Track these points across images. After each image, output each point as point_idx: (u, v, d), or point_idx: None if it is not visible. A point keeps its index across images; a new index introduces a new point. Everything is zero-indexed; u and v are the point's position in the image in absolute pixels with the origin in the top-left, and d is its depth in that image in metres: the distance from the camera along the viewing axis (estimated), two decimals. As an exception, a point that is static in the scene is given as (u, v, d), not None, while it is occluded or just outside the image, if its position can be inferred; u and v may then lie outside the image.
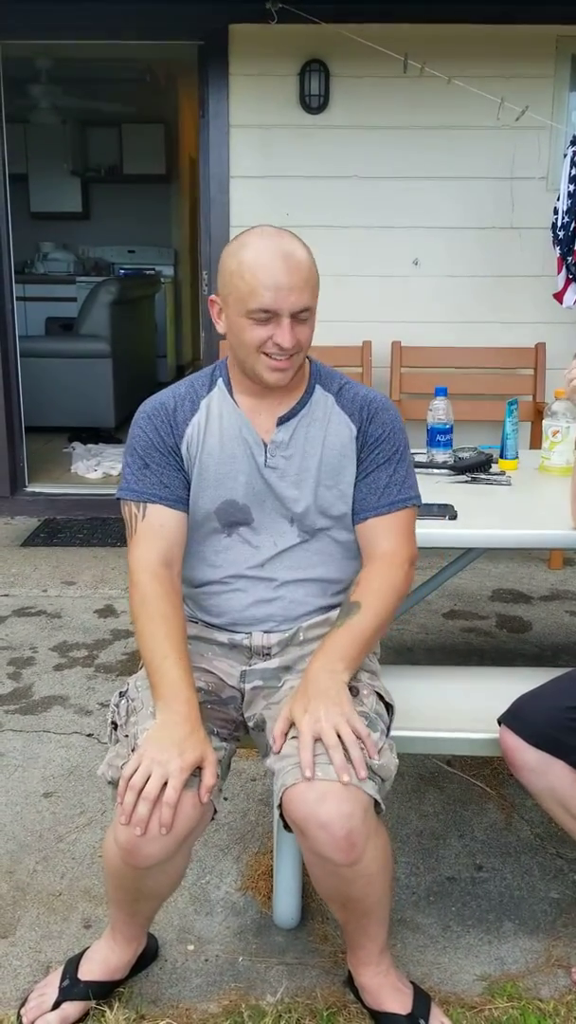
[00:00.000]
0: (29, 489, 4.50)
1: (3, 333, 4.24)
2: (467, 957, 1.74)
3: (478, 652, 3.01)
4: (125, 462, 1.59)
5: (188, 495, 1.57)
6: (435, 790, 2.27)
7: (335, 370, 1.65)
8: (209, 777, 1.34)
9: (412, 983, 1.59)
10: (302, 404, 1.58)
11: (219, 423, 1.57)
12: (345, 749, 1.35)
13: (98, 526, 4.29)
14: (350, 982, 1.63)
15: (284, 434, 1.56)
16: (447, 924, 1.83)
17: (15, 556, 3.90)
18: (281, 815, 1.38)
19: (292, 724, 1.41)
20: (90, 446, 5.49)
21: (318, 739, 1.35)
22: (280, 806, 1.37)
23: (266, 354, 1.46)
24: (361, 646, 1.49)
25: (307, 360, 1.60)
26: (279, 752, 1.38)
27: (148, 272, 7.72)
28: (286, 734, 1.41)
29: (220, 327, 1.52)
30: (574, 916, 1.85)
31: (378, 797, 1.38)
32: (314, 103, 3.90)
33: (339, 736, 1.35)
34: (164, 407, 1.58)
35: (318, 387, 1.60)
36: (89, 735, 2.50)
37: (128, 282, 6.32)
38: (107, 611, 3.34)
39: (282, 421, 1.56)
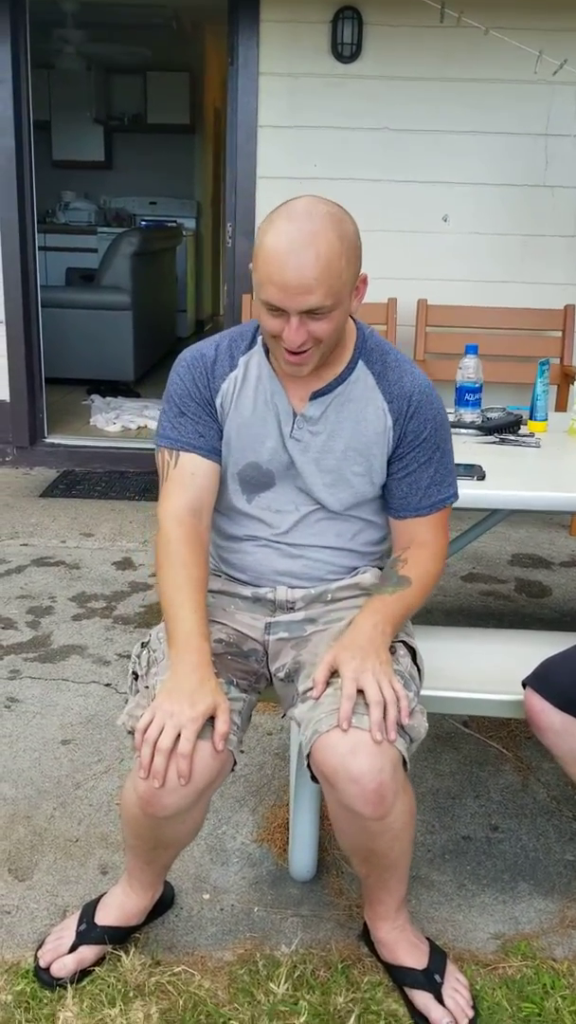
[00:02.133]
0: (48, 440, 4.49)
1: (25, 282, 4.20)
2: (481, 916, 1.75)
3: (496, 615, 3.00)
4: (162, 409, 1.57)
5: (221, 447, 1.55)
6: (451, 750, 2.27)
7: (384, 341, 1.58)
8: (222, 725, 1.33)
9: (428, 939, 1.60)
10: (340, 380, 1.52)
11: (255, 384, 1.53)
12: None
13: (116, 479, 4.28)
14: (365, 936, 1.64)
15: (316, 409, 1.52)
16: (462, 882, 1.83)
17: (34, 507, 3.90)
18: (308, 765, 1.38)
19: (333, 672, 1.39)
20: (109, 399, 5.47)
21: (360, 691, 1.34)
22: (308, 755, 1.36)
23: (281, 343, 1.41)
24: (405, 617, 1.51)
25: (356, 327, 1.55)
26: (319, 697, 1.36)
27: (170, 224, 7.63)
28: (328, 681, 1.39)
29: (256, 301, 1.46)
30: (589, 879, 1.85)
31: (406, 755, 1.38)
32: (346, 52, 3.80)
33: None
34: (204, 358, 1.55)
35: (361, 363, 1.53)
36: (107, 685, 2.51)
37: (150, 234, 6.25)
38: (125, 563, 3.34)
39: (316, 395, 1.52)
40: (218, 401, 1.54)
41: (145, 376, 6.11)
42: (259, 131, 3.94)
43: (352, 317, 1.54)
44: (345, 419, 1.52)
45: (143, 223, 7.85)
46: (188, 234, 7.83)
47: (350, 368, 1.53)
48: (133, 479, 4.29)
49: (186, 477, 1.53)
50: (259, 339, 1.54)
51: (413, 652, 1.55)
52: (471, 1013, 1.50)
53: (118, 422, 4.96)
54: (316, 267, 1.32)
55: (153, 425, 5.00)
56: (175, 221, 7.91)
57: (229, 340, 1.56)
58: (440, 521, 1.58)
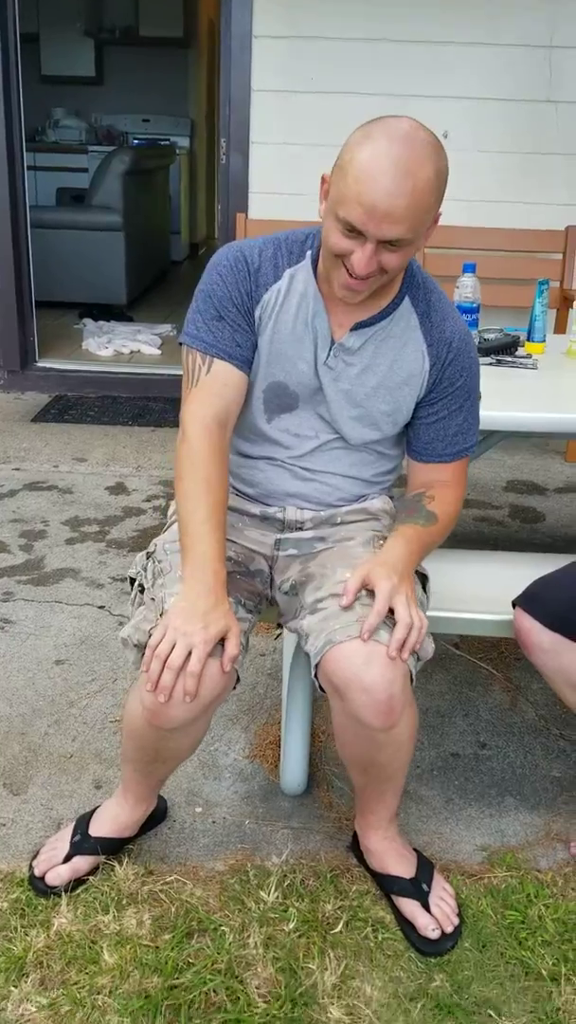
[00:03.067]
0: (40, 365, 4.43)
1: (13, 203, 4.09)
2: (468, 828, 1.79)
3: (490, 541, 3.00)
4: (196, 307, 1.48)
5: (253, 358, 1.49)
6: (442, 671, 2.29)
7: (429, 279, 1.52)
8: (232, 648, 1.33)
9: (416, 850, 1.63)
10: (385, 314, 1.47)
11: (298, 301, 1.46)
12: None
13: (109, 404, 4.24)
14: (354, 847, 1.68)
15: (356, 340, 1.47)
16: (450, 797, 1.87)
17: (26, 431, 3.87)
18: (315, 675, 1.39)
19: (363, 587, 1.39)
20: (101, 323, 5.39)
21: (390, 609, 1.35)
22: (317, 665, 1.37)
23: (344, 265, 1.35)
24: (430, 551, 1.51)
25: None
26: (348, 606, 1.36)
27: (163, 143, 7.42)
28: (357, 593, 1.38)
29: (320, 208, 1.38)
30: (574, 794, 1.88)
31: (414, 673, 1.40)
32: (345, -45, 3.64)
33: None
34: (248, 262, 1.46)
35: (407, 300, 1.48)
36: (101, 607, 2.51)
37: (142, 152, 6.07)
38: (118, 488, 3.33)
39: (359, 326, 1.47)
40: (257, 312, 1.47)
41: (138, 299, 6.01)
42: (254, 42, 3.79)
43: None
44: (382, 356, 1.48)
45: (135, 141, 7.63)
46: (182, 153, 7.62)
47: (395, 303, 1.47)
48: (126, 404, 4.25)
49: (217, 386, 1.46)
50: (308, 253, 1.47)
51: (424, 579, 1.56)
52: (456, 920, 1.54)
53: (111, 346, 4.89)
54: (411, 199, 1.26)
55: (147, 350, 4.94)
56: (168, 139, 7.69)
57: (275, 248, 1.48)
58: (461, 467, 1.58)
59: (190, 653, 1.30)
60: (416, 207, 1.27)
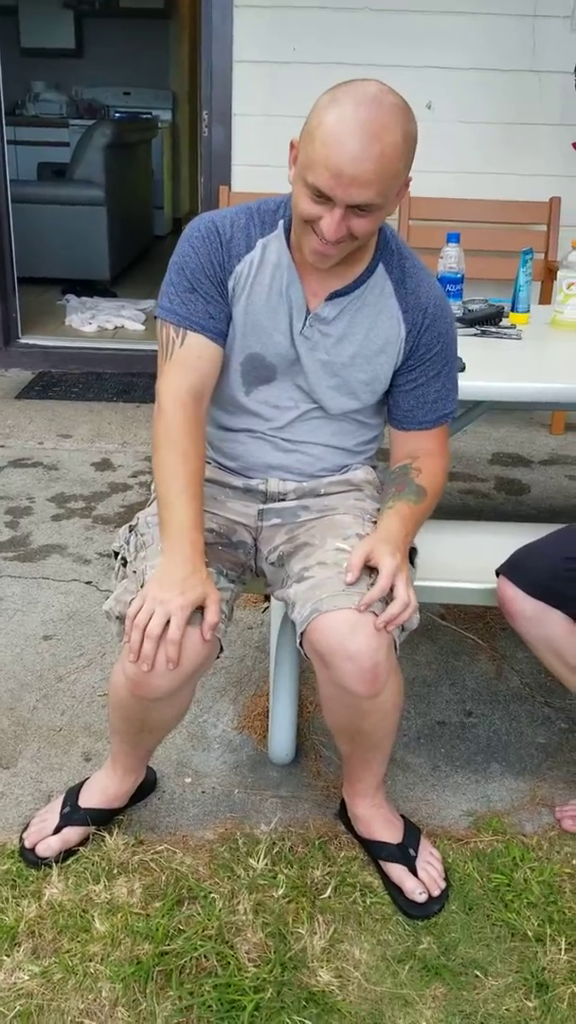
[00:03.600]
0: (23, 341, 4.40)
1: (-7, 175, 4.05)
2: (455, 795, 1.81)
3: (475, 513, 3.01)
4: (169, 280, 1.47)
5: (228, 330, 1.49)
6: (428, 642, 2.30)
7: (404, 245, 1.51)
8: (211, 615, 1.34)
9: (403, 816, 1.65)
10: (359, 283, 1.46)
11: (271, 272, 1.46)
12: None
13: (94, 381, 4.22)
14: (342, 814, 1.69)
15: (331, 310, 1.46)
16: (436, 764, 1.89)
17: (10, 408, 3.84)
18: (301, 643, 1.40)
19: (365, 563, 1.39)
20: (84, 299, 5.34)
21: (392, 586, 1.35)
22: (303, 634, 1.38)
23: (313, 230, 1.34)
24: (421, 526, 1.51)
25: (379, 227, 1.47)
26: (353, 582, 1.36)
27: (144, 116, 7.33)
28: (361, 567, 1.38)
29: (290, 174, 1.36)
30: (560, 760, 1.91)
31: (398, 642, 1.41)
32: None
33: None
34: (219, 233, 1.45)
35: (381, 266, 1.47)
36: (88, 583, 2.52)
37: (124, 125, 6.00)
38: (104, 464, 3.32)
39: (333, 296, 1.46)
40: (230, 283, 1.46)
41: (121, 275, 5.96)
42: (235, 12, 3.74)
43: None
44: (358, 324, 1.48)
45: (116, 115, 7.54)
46: (164, 126, 7.53)
47: (369, 271, 1.47)
48: (111, 380, 4.23)
49: (192, 359, 1.46)
50: (280, 223, 1.46)
51: (412, 553, 1.57)
52: (443, 884, 1.57)
53: (94, 322, 4.86)
54: (379, 163, 1.24)
55: (131, 326, 4.91)
56: (150, 113, 7.60)
57: (247, 218, 1.46)
58: (443, 434, 1.58)
59: (169, 621, 1.31)
60: (384, 171, 1.26)
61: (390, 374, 1.52)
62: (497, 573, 1.64)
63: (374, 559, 1.37)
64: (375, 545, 1.39)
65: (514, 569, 1.60)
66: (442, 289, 1.53)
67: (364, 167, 1.24)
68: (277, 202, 1.47)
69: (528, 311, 2.32)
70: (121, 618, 1.42)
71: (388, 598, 1.35)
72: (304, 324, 1.47)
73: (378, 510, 1.52)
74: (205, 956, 1.44)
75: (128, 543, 1.55)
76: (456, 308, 2.27)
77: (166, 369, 1.47)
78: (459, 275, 2.25)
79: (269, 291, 1.46)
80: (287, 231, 1.45)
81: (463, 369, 1.91)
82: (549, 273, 3.55)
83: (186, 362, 1.46)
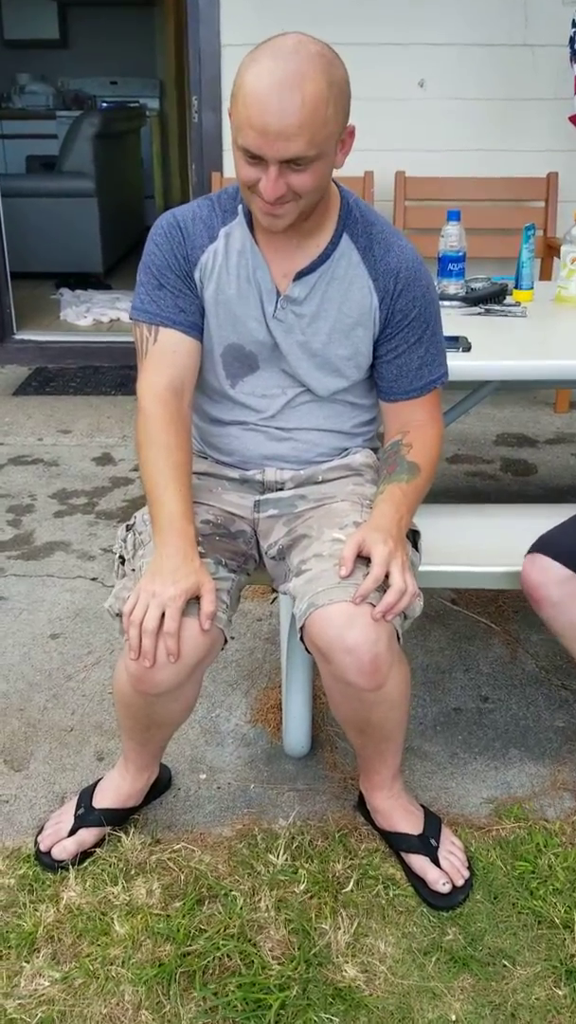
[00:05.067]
0: (18, 337, 4.36)
1: (-18, 168, 3.99)
2: (474, 782, 1.78)
3: (483, 495, 2.98)
4: (139, 280, 1.47)
5: (203, 323, 1.47)
6: (440, 627, 2.27)
7: (370, 211, 1.47)
8: (207, 604, 1.31)
9: (422, 806, 1.62)
10: (325, 257, 1.43)
11: (237, 259, 1.43)
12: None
13: (91, 375, 4.18)
14: (360, 806, 1.67)
15: (301, 290, 1.43)
16: (454, 752, 1.86)
17: (7, 405, 3.81)
18: (301, 638, 1.36)
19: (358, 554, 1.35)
20: (78, 292, 5.30)
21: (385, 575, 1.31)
22: (302, 628, 1.35)
23: (257, 193, 1.30)
24: (418, 505, 1.47)
25: (340, 196, 1.44)
26: (348, 575, 1.32)
27: (132, 105, 7.26)
28: (355, 561, 1.34)
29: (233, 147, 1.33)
30: (579, 743, 1.88)
31: (400, 630, 1.37)
32: None
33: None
34: (181, 227, 1.43)
35: (346, 236, 1.43)
36: (93, 579, 2.48)
37: (112, 115, 5.94)
38: (105, 459, 3.28)
39: (301, 275, 1.43)
40: (196, 275, 1.44)
41: (115, 267, 5.91)
42: (221, -7, 3.68)
43: (337, 184, 1.44)
44: (330, 300, 1.44)
45: (103, 105, 7.47)
46: (152, 115, 7.46)
47: (334, 243, 1.43)
48: (108, 373, 4.18)
49: (167, 355, 1.45)
50: (240, 208, 1.44)
51: (415, 536, 1.53)
52: (467, 873, 1.54)
53: (89, 315, 4.81)
54: (301, 112, 1.21)
55: (126, 318, 4.86)
56: (137, 101, 7.53)
57: (209, 208, 1.45)
58: (433, 402, 1.53)
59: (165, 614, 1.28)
60: (309, 122, 1.22)
61: (371, 346, 1.48)
62: (527, 553, 1.60)
63: (366, 549, 1.33)
64: (367, 534, 1.35)
65: (547, 546, 1.56)
66: (415, 251, 1.47)
67: (287, 120, 1.21)
68: (236, 187, 1.44)
69: (532, 288, 2.28)
70: (121, 615, 1.40)
71: (385, 587, 1.31)
72: (276, 307, 1.44)
73: None
74: (228, 955, 1.41)
75: (126, 542, 1.53)
76: (459, 287, 2.23)
77: (143, 368, 1.46)
78: (461, 253, 2.21)
79: (238, 279, 1.44)
80: (248, 215, 1.42)
81: (468, 349, 1.88)
82: (549, 250, 3.51)
83: (162, 358, 1.44)
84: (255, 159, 1.26)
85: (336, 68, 1.26)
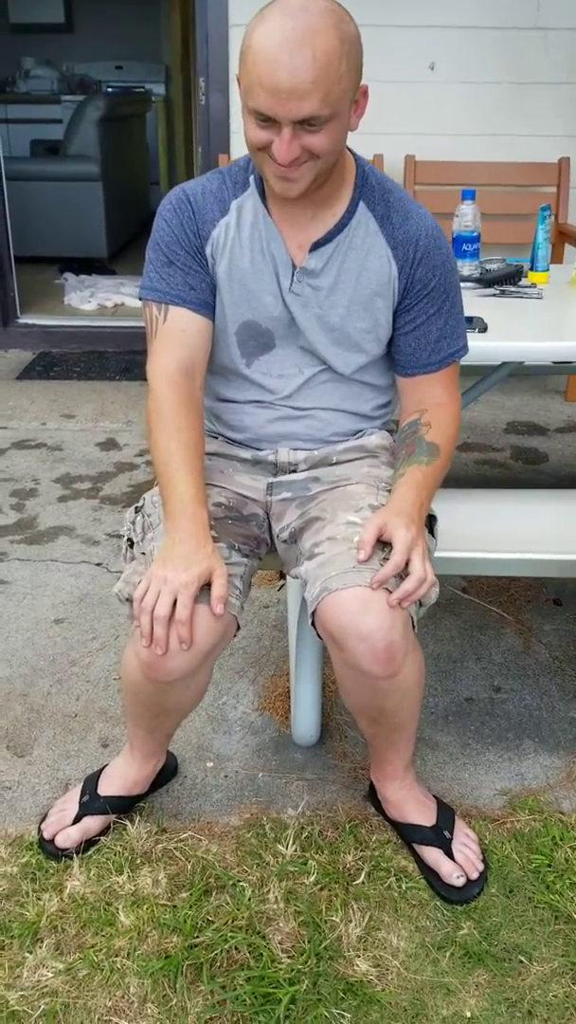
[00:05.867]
0: (22, 321, 4.31)
1: (-14, 150, 3.94)
2: (487, 773, 1.74)
3: (493, 483, 2.93)
4: (148, 258, 1.43)
5: (215, 300, 1.42)
6: (451, 616, 2.23)
7: (385, 179, 1.42)
8: (218, 588, 1.27)
9: (435, 797, 1.58)
10: (341, 226, 1.38)
11: (249, 232, 1.39)
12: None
13: (95, 359, 4.13)
14: (371, 796, 1.63)
15: (317, 261, 1.38)
16: (466, 742, 1.82)
17: (11, 390, 3.76)
18: (313, 623, 1.32)
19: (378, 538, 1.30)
20: (83, 277, 5.24)
21: (407, 561, 1.27)
22: (313, 613, 1.31)
23: (270, 156, 1.26)
24: (436, 489, 1.42)
25: (355, 162, 1.39)
26: (366, 559, 1.28)
27: (137, 90, 7.19)
28: (374, 545, 1.29)
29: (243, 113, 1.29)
30: (594, 734, 1.84)
31: (415, 618, 1.33)
32: None
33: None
34: (191, 201, 1.39)
35: (362, 204, 1.38)
36: (98, 564, 2.44)
37: (117, 99, 5.88)
38: (109, 444, 3.24)
39: (317, 246, 1.38)
40: (208, 250, 1.40)
41: (119, 252, 5.85)
42: (229, -27, 3.62)
43: (351, 152, 1.40)
44: (347, 271, 1.39)
45: (109, 89, 7.39)
46: (157, 100, 7.39)
47: (351, 211, 1.38)
48: (112, 358, 4.14)
49: (176, 334, 1.40)
50: (252, 179, 1.39)
51: (432, 521, 1.48)
52: (481, 866, 1.50)
53: (93, 300, 4.76)
54: (313, 69, 1.16)
55: (131, 303, 4.81)
56: (143, 87, 7.45)
57: (220, 181, 1.41)
58: (451, 377, 1.48)
59: (176, 601, 1.24)
60: (322, 78, 1.17)
61: (390, 317, 1.43)
62: None
63: (387, 533, 1.29)
64: (388, 519, 1.30)
65: None
66: (434, 219, 1.42)
67: (299, 77, 1.16)
68: (247, 158, 1.39)
69: (548, 270, 2.24)
70: (131, 600, 1.35)
71: (403, 573, 1.27)
72: (292, 280, 1.39)
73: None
74: (236, 948, 1.37)
75: (135, 524, 1.49)
76: (473, 268, 2.19)
77: (153, 348, 1.42)
78: (475, 234, 2.17)
79: (251, 252, 1.39)
80: (260, 187, 1.38)
81: (484, 330, 1.83)
82: (560, 235, 3.45)
83: (172, 337, 1.40)
84: (267, 121, 1.21)
85: (347, 24, 1.22)
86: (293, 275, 1.39)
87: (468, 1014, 1.30)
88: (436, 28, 3.65)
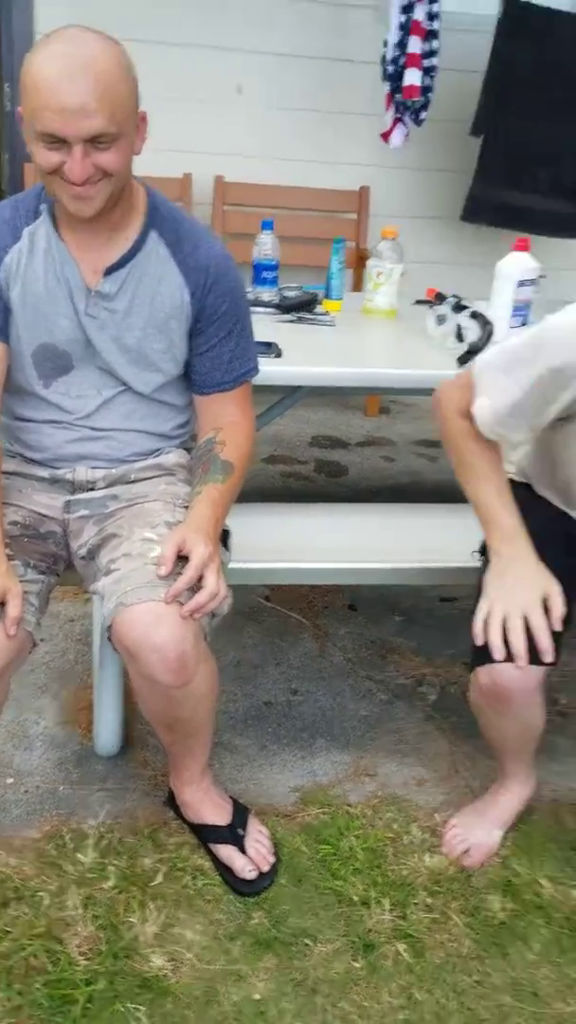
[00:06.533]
0: None
1: None
2: (282, 772, 1.85)
3: (297, 495, 3.07)
4: None
5: (8, 325, 1.45)
6: (254, 624, 2.34)
7: (176, 210, 1.50)
8: (13, 609, 1.31)
9: (232, 798, 1.67)
10: (134, 251, 1.44)
11: (43, 257, 1.43)
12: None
13: None
14: (171, 801, 1.70)
15: (112, 285, 1.44)
16: (264, 744, 1.92)
17: None
18: (110, 637, 1.38)
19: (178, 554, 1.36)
20: None
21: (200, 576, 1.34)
22: (109, 628, 1.36)
23: (63, 178, 1.30)
24: (230, 505, 1.50)
25: (144, 192, 1.46)
26: (167, 575, 1.33)
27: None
28: (174, 560, 1.35)
29: (28, 144, 1.32)
30: (381, 730, 1.99)
31: (207, 628, 1.41)
32: None
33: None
34: None
35: (153, 232, 1.46)
36: None
37: None
38: None
39: (111, 270, 1.44)
40: (1, 276, 1.43)
41: None
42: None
43: (142, 183, 1.46)
44: (141, 295, 1.46)
45: None
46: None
47: (141, 239, 1.45)
48: None
49: None
50: (43, 208, 1.44)
51: (225, 535, 1.56)
52: (272, 859, 1.60)
53: None
54: (97, 89, 1.23)
55: None
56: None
57: (12, 210, 1.44)
58: (244, 396, 1.58)
59: None
60: (107, 96, 1.25)
61: (185, 338, 1.51)
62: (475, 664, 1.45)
63: (186, 549, 1.37)
64: (187, 535, 1.38)
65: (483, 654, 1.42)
66: (224, 246, 1.52)
67: (84, 97, 1.23)
68: (38, 188, 1.45)
69: (341, 298, 2.38)
70: None
71: (196, 587, 1.34)
72: (87, 304, 1.45)
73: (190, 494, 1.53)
74: (35, 955, 1.41)
75: None
76: (272, 295, 2.30)
77: None
78: (274, 262, 2.28)
79: (45, 277, 1.44)
80: (52, 214, 1.43)
81: (280, 355, 1.94)
82: (360, 261, 3.65)
83: None
84: (57, 142, 1.26)
85: (122, 53, 1.30)
86: (88, 299, 1.44)
87: (257, 996, 1.39)
88: (249, 53, 3.76)
